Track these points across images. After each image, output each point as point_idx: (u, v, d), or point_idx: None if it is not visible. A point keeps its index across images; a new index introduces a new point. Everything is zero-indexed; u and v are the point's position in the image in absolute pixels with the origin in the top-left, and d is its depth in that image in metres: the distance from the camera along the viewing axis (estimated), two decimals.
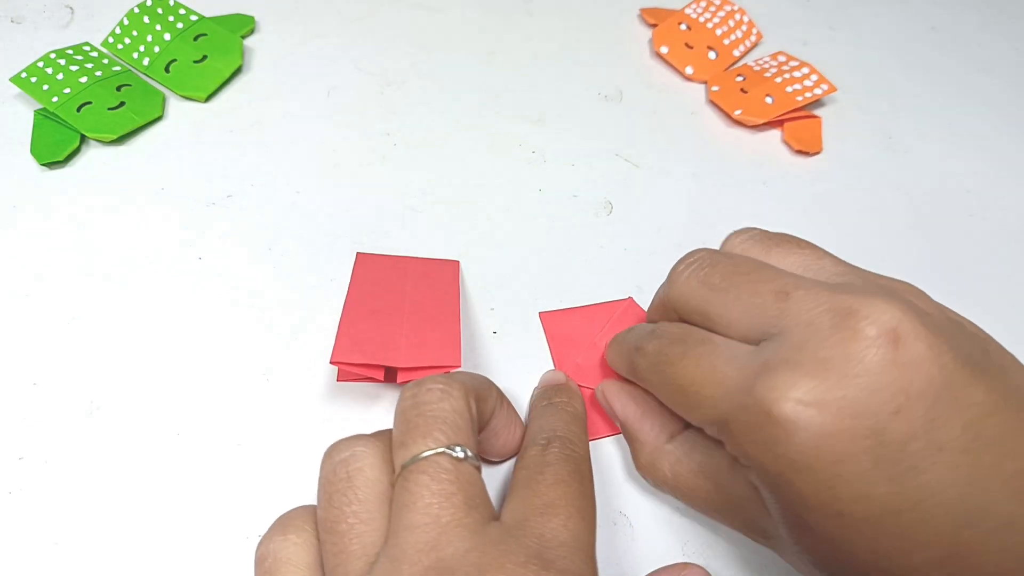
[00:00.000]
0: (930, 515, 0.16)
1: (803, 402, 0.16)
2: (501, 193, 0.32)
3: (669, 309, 0.22)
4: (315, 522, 0.19)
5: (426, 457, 0.18)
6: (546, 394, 0.24)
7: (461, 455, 0.18)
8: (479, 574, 0.16)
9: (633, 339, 0.23)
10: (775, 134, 0.36)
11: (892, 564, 0.16)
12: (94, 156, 0.31)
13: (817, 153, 0.35)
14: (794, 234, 0.22)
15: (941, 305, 0.19)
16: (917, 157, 0.36)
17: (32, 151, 0.30)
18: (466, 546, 0.16)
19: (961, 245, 0.32)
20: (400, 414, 0.19)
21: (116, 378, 0.25)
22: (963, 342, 0.17)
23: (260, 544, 0.19)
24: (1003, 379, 0.17)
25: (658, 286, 0.29)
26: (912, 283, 0.20)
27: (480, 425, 0.20)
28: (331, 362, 0.23)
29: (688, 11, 0.39)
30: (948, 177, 0.35)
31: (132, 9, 0.35)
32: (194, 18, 0.35)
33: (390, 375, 0.24)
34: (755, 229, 0.22)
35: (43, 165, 0.30)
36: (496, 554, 0.16)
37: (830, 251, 0.21)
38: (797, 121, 0.36)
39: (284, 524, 0.19)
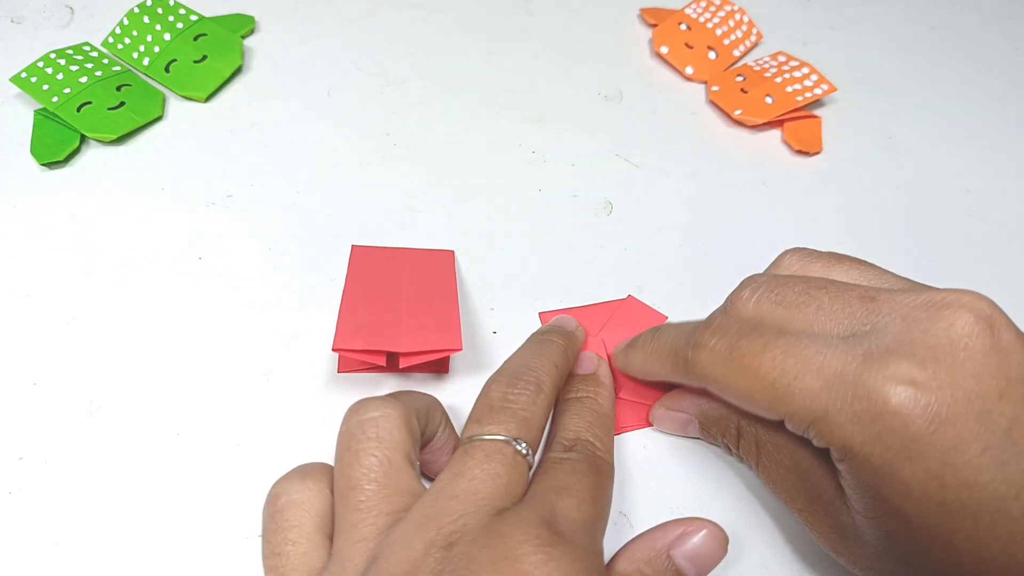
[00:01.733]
0: None
1: (920, 390, 0.16)
2: (501, 193, 0.32)
3: None
4: (331, 478, 0.19)
5: (490, 440, 0.19)
6: (575, 386, 0.24)
7: (523, 451, 0.19)
8: (494, 538, 0.17)
9: (678, 336, 0.22)
10: (775, 134, 0.36)
11: (991, 554, 0.16)
12: (94, 156, 0.31)
13: (817, 153, 0.35)
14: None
15: None
16: (917, 157, 0.36)
17: (32, 151, 0.30)
18: (489, 520, 0.17)
19: (961, 245, 0.32)
20: (489, 396, 0.21)
21: (116, 378, 0.25)
22: None
23: (276, 484, 0.19)
24: None
25: (658, 286, 0.29)
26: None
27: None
28: (333, 349, 0.23)
29: (688, 11, 0.39)
30: (948, 177, 0.35)
31: (132, 9, 0.35)
32: (194, 18, 0.35)
33: (391, 362, 0.24)
34: (806, 248, 0.22)
35: (43, 165, 0.30)
36: (514, 525, 0.17)
37: (830, 252, 0.22)
38: (797, 121, 0.36)
39: (304, 472, 0.19)
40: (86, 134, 0.31)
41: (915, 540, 0.17)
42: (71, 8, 0.37)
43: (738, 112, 0.35)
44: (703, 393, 0.23)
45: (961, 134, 0.37)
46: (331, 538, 0.18)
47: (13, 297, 0.27)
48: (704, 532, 0.20)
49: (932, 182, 0.35)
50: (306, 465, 0.20)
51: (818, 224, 0.32)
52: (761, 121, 0.35)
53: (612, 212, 0.32)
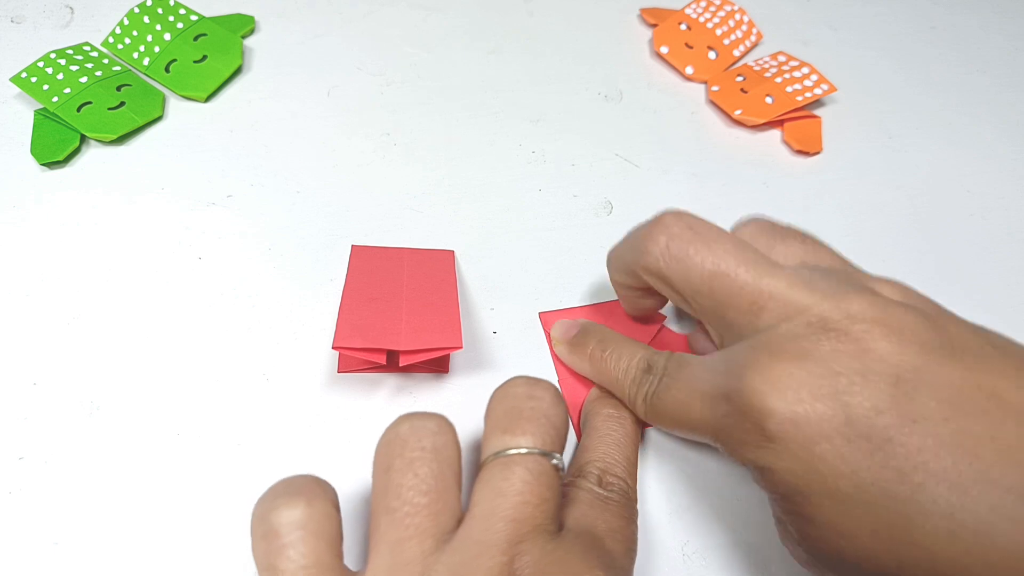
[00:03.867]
0: (921, 486, 0.16)
1: (769, 391, 0.17)
2: (501, 193, 0.32)
3: (639, 278, 0.23)
4: (327, 492, 0.18)
5: (528, 454, 0.18)
6: (609, 402, 0.24)
7: (559, 464, 0.19)
8: (564, 569, 0.17)
9: (622, 371, 0.23)
10: (775, 134, 0.36)
11: (896, 543, 0.16)
12: (94, 156, 0.31)
13: (817, 153, 0.35)
14: None
15: (928, 298, 0.19)
16: (917, 157, 0.36)
17: (32, 151, 0.30)
18: (551, 546, 0.17)
19: (961, 245, 0.32)
20: (509, 399, 0.20)
21: (116, 378, 0.25)
22: (946, 328, 0.18)
23: (272, 511, 0.17)
24: (992, 361, 0.17)
25: None
26: (907, 282, 0.20)
27: None
28: (333, 347, 0.23)
29: (688, 11, 0.39)
30: (948, 177, 0.35)
31: (132, 9, 0.35)
32: (194, 18, 0.35)
33: (391, 361, 0.24)
34: (764, 221, 0.23)
35: (43, 165, 0.30)
36: (579, 554, 0.17)
37: (783, 229, 0.22)
38: (797, 121, 0.36)
39: (303, 491, 0.17)
40: (86, 134, 0.31)
41: (827, 540, 0.17)
42: (71, 8, 0.37)
43: (738, 112, 0.35)
44: None
45: (961, 134, 0.37)
46: (341, 556, 0.17)
47: (13, 297, 0.27)
48: None
49: (932, 182, 0.35)
50: (296, 481, 0.18)
51: (818, 224, 0.32)
52: (761, 121, 0.35)
53: (612, 212, 0.32)
